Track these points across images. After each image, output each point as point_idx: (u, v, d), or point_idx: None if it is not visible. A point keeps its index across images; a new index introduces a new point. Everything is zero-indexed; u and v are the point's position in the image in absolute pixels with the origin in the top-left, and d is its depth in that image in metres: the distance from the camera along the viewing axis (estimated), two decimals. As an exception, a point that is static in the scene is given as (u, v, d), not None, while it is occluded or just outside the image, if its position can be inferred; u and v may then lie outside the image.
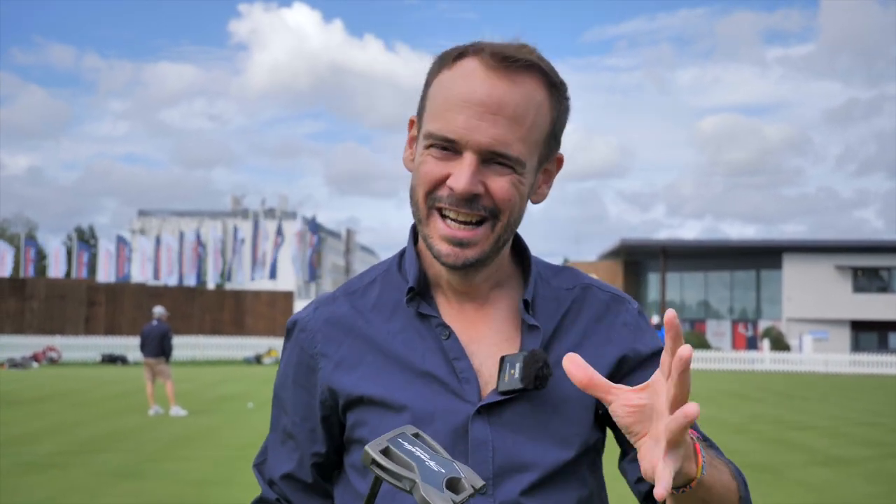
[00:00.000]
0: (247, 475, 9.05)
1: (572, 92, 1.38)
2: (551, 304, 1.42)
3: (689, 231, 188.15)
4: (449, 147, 1.29)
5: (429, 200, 1.31)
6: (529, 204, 1.39)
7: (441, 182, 1.30)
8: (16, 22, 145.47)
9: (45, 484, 8.62)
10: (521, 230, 1.45)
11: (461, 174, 1.27)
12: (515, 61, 1.28)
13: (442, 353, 1.35)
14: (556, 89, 1.34)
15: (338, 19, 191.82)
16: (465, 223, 1.30)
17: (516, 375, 1.28)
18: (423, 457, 1.00)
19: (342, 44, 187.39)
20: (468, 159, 1.27)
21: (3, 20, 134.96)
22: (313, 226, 37.90)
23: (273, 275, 38.94)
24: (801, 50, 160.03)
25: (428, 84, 1.36)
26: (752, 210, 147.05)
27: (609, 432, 1.43)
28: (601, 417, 1.40)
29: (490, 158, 1.28)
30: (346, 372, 1.38)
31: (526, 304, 1.38)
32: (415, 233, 1.45)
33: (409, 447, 1.01)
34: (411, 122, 1.41)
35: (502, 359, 1.32)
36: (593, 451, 1.40)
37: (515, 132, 1.28)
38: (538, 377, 1.27)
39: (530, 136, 1.30)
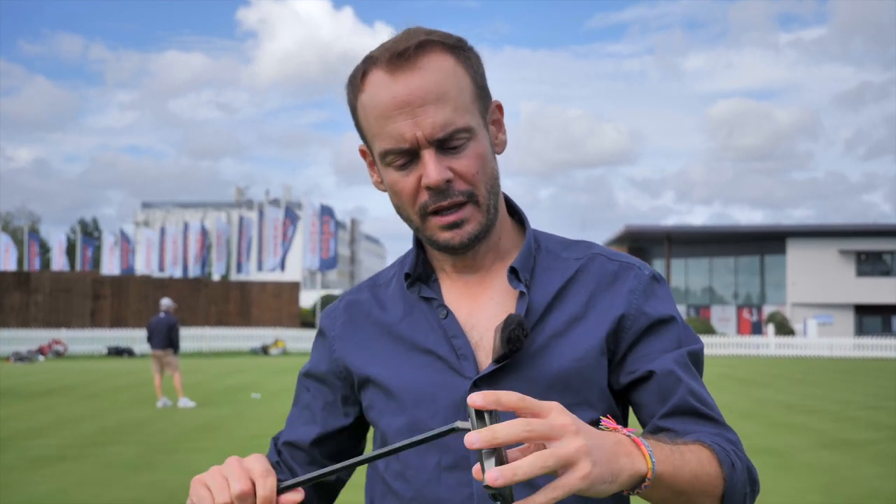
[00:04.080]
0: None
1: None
2: (554, 273, 1.43)
3: (698, 217, 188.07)
4: (406, 155, 1.35)
5: (420, 211, 1.37)
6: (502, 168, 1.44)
7: (418, 189, 1.36)
8: (22, 12, 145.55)
9: (54, 477, 8.66)
10: (528, 218, 1.48)
11: (428, 170, 1.33)
12: (407, 50, 1.33)
13: (442, 332, 1.40)
14: (457, 49, 1.38)
15: (348, 7, 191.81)
16: (450, 209, 1.36)
17: (498, 343, 1.32)
18: None
19: (352, 32, 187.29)
20: (427, 155, 1.33)
21: (10, 11, 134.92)
22: (327, 211, 37.76)
23: (283, 266, 38.91)
24: (813, 33, 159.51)
25: (354, 113, 1.42)
26: (761, 195, 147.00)
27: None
28: (617, 394, 1.40)
29: (443, 144, 1.34)
30: (359, 352, 1.48)
31: (514, 271, 1.40)
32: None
33: None
34: (363, 152, 1.48)
35: (495, 330, 1.34)
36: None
37: (448, 107, 1.33)
38: (510, 339, 1.29)
39: (461, 102, 1.35)
